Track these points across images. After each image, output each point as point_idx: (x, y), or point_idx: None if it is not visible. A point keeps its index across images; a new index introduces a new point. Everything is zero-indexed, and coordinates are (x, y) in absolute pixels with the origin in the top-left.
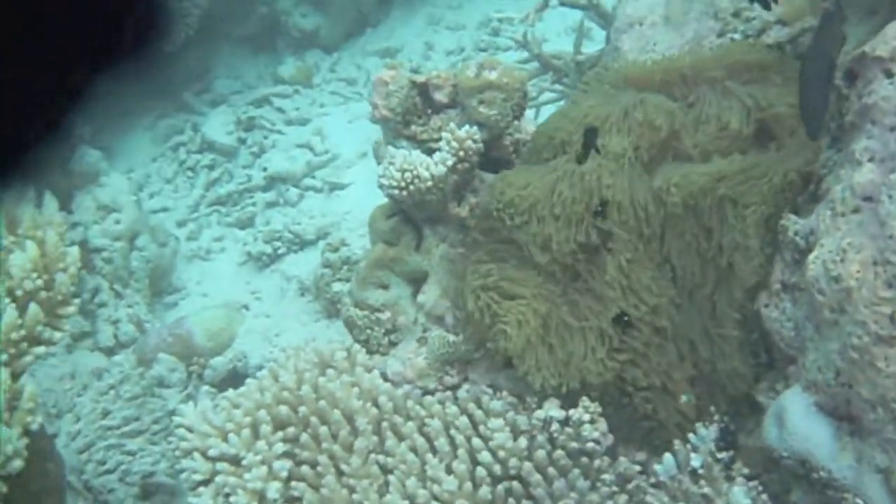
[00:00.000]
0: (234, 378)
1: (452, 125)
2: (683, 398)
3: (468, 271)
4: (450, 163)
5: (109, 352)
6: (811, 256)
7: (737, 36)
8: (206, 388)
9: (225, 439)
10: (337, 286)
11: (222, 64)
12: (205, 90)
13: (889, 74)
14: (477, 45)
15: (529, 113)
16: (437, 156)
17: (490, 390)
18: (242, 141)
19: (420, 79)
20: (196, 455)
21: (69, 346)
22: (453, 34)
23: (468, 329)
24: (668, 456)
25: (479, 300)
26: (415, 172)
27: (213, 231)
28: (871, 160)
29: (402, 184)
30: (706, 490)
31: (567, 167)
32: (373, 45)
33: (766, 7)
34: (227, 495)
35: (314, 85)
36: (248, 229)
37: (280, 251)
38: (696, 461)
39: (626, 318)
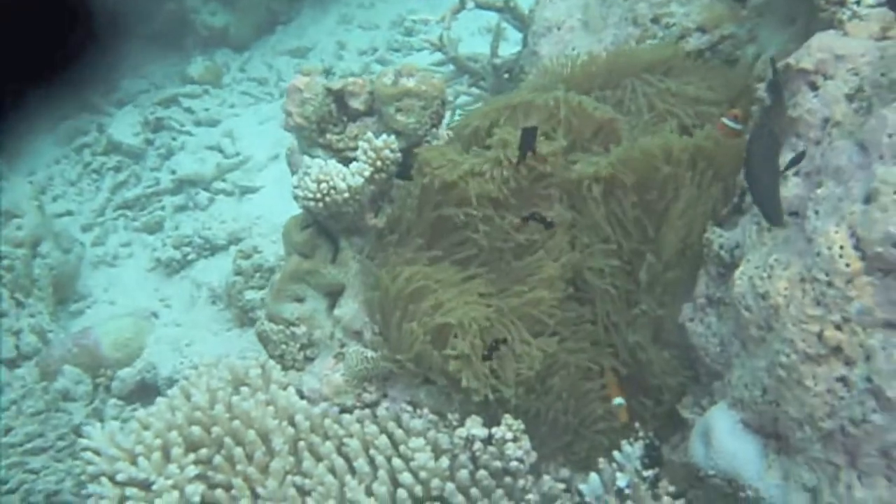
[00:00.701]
0: (143, 390)
1: (370, 134)
2: (616, 401)
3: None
4: (367, 173)
5: (11, 364)
6: (737, 272)
7: (656, 42)
8: (113, 400)
9: (134, 463)
10: (249, 294)
11: (129, 63)
12: (111, 90)
13: (813, 87)
14: (390, 45)
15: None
16: (353, 166)
17: (410, 408)
18: (150, 142)
19: (336, 86)
20: (103, 480)
21: None
22: (366, 33)
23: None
24: (593, 476)
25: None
26: (331, 183)
27: (120, 236)
28: (796, 174)
29: (318, 195)
30: None
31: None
32: (284, 45)
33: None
34: None
35: (224, 85)
36: (157, 234)
37: (190, 257)
38: (622, 481)
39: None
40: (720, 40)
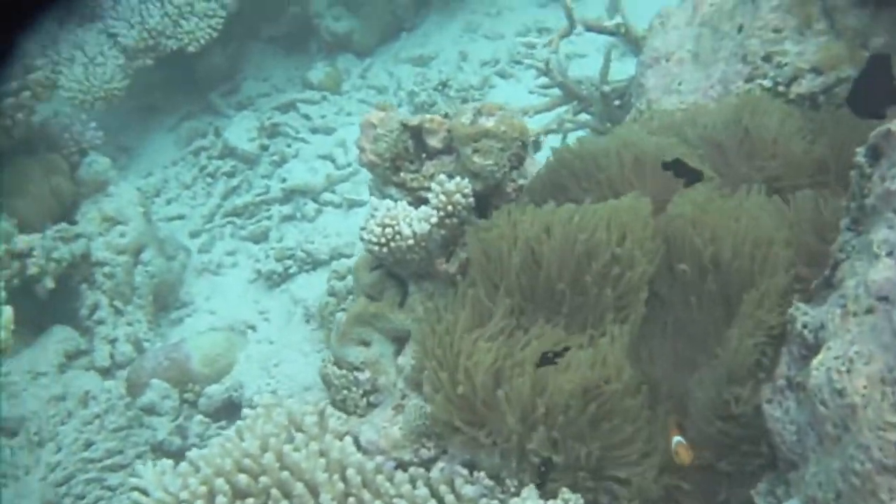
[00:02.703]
0: (230, 408)
1: (442, 177)
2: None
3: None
4: (434, 220)
5: (105, 372)
6: (815, 361)
7: (766, 82)
8: (199, 417)
9: None
10: (341, 316)
11: (251, 65)
12: (232, 91)
13: None
14: (512, 57)
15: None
16: (421, 211)
17: (465, 471)
18: (265, 148)
19: (413, 122)
20: None
21: (62, 365)
22: (490, 43)
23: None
24: None
25: None
26: (396, 228)
27: (227, 244)
28: (889, 254)
29: (383, 240)
30: None
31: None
32: (407, 52)
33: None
34: None
35: (343, 92)
36: (262, 244)
37: (291, 270)
38: None
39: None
40: (836, 83)
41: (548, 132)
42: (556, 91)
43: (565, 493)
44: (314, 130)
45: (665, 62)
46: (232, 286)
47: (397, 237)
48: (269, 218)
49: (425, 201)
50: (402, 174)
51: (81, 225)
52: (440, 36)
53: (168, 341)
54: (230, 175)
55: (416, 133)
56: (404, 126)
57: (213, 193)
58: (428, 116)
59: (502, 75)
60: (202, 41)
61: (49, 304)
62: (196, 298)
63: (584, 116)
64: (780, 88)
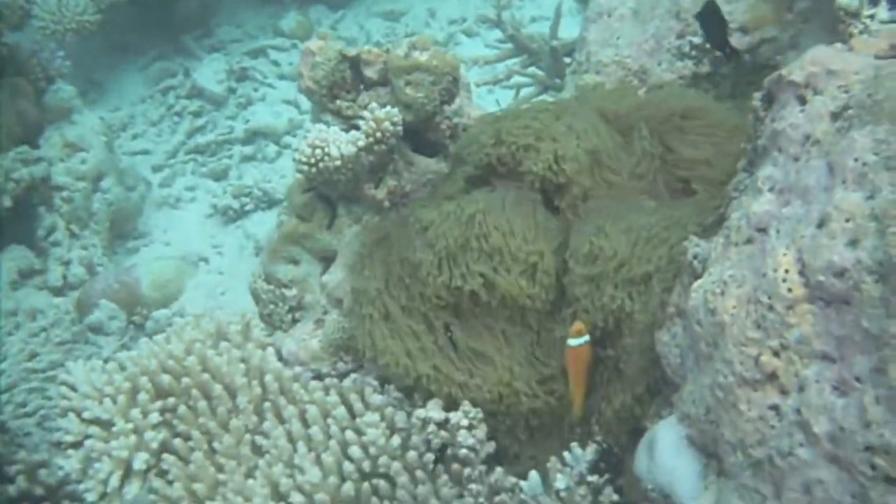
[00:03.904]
0: None
1: (373, 105)
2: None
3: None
4: (361, 143)
5: (57, 292)
6: (695, 284)
7: (695, 39)
8: (144, 339)
9: (100, 402)
10: (272, 233)
11: (226, 10)
12: (205, 35)
13: (802, 101)
14: (479, 18)
15: (507, 94)
16: (350, 135)
17: (376, 382)
18: (232, 91)
19: (351, 52)
20: (71, 415)
21: (14, 282)
22: (458, 3)
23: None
24: (533, 474)
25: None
26: (326, 150)
27: (187, 180)
28: (771, 189)
29: (312, 160)
30: None
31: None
32: (379, 6)
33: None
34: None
35: None
36: (222, 181)
37: (247, 207)
38: (560, 482)
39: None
40: (760, 43)
41: (496, 82)
42: (508, 45)
43: (465, 405)
44: (282, 76)
45: (607, 17)
46: (189, 220)
47: (326, 158)
48: (230, 157)
49: (358, 128)
50: (338, 102)
51: (43, 149)
52: None
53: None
54: (196, 115)
55: (355, 64)
56: (343, 56)
57: (177, 131)
58: (366, 48)
59: (468, 34)
60: None
61: (6, 224)
62: (153, 230)
63: (533, 70)
64: (708, 45)
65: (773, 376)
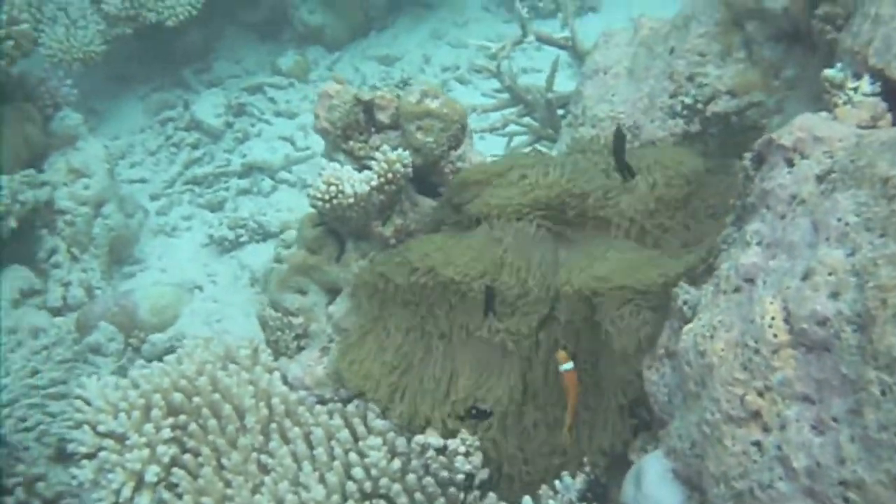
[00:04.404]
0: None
1: (385, 147)
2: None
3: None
4: (374, 183)
5: (56, 312)
6: (686, 328)
7: (687, 99)
8: (141, 362)
9: (115, 417)
10: (281, 265)
11: (226, 47)
12: (204, 70)
13: (790, 163)
14: (472, 65)
15: (500, 141)
16: (364, 174)
17: (378, 409)
18: (230, 125)
19: (365, 97)
20: (86, 428)
21: (16, 301)
22: (453, 50)
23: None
24: (526, 499)
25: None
26: (339, 187)
27: (184, 209)
28: (759, 243)
29: (326, 196)
30: None
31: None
32: (374, 50)
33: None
34: (107, 471)
35: (309, 80)
36: (218, 212)
37: (242, 239)
38: None
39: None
40: (748, 106)
41: (492, 130)
42: (505, 95)
43: (463, 433)
44: (278, 114)
45: (603, 74)
46: (184, 248)
47: (339, 195)
48: (226, 189)
49: (369, 168)
50: (350, 143)
51: (48, 174)
52: (407, 39)
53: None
54: (194, 146)
55: (368, 108)
56: (357, 100)
57: (175, 162)
58: (379, 93)
59: (461, 81)
60: (181, 17)
61: (9, 245)
62: (149, 257)
63: (528, 120)
64: (699, 106)
65: (756, 415)
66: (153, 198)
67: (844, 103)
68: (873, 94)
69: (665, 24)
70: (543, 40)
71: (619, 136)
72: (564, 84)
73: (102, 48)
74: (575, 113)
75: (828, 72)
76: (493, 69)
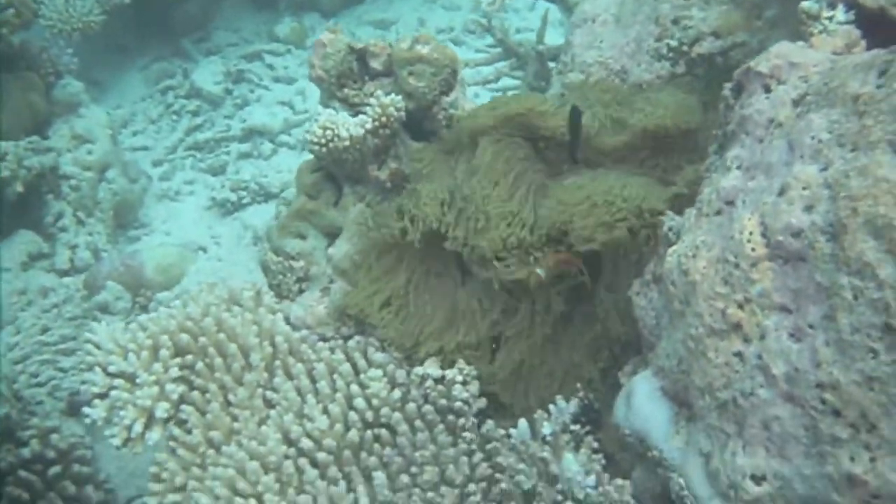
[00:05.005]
0: None
1: (379, 92)
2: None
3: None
4: (369, 126)
5: (64, 274)
6: (670, 250)
7: (672, 42)
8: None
9: (125, 357)
10: (282, 211)
11: (223, 16)
12: (203, 39)
13: (767, 89)
14: (466, 27)
15: (486, 93)
16: (358, 118)
17: (378, 343)
18: (229, 92)
19: (358, 45)
20: (97, 369)
21: (25, 264)
22: (447, 13)
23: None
24: (522, 422)
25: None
26: (335, 131)
27: (186, 174)
28: (738, 167)
29: (323, 140)
30: (545, 454)
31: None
32: (370, 15)
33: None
34: (119, 409)
35: (306, 46)
36: (220, 176)
37: (245, 200)
38: (546, 429)
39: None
40: (732, 47)
41: (486, 82)
42: (497, 49)
43: (460, 363)
44: (276, 79)
45: (591, 23)
46: (188, 212)
47: (336, 138)
48: (227, 153)
49: (364, 114)
50: (345, 90)
51: (52, 140)
52: (402, 3)
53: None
54: (195, 113)
55: (361, 55)
56: (351, 48)
57: (177, 129)
58: (372, 41)
59: (455, 42)
60: None
61: (16, 210)
62: (153, 221)
63: (519, 73)
64: (684, 48)
65: (737, 326)
66: (156, 164)
67: (820, 32)
68: (848, 23)
69: None
70: None
71: (575, 114)
72: (556, 40)
73: (101, 18)
74: (564, 60)
75: (804, 3)
76: (486, 24)
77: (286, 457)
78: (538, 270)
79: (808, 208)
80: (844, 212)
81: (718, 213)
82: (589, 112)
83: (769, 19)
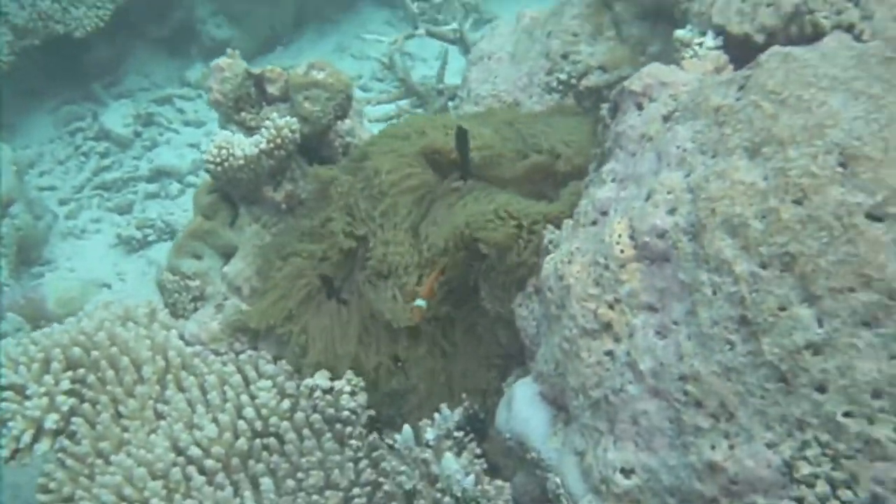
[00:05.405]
0: None
1: (274, 114)
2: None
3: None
4: (263, 146)
5: None
6: (548, 258)
7: (562, 76)
8: None
9: (15, 370)
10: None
11: (135, 61)
12: (114, 83)
13: (640, 107)
14: (374, 75)
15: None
16: (253, 138)
17: (270, 356)
18: (138, 134)
19: (256, 70)
20: None
21: None
22: (356, 62)
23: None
24: (406, 427)
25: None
26: (230, 150)
27: (93, 213)
28: (613, 180)
29: (218, 159)
30: (426, 455)
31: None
32: (281, 62)
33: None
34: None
35: None
36: (126, 215)
37: (150, 238)
38: (430, 434)
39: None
40: (618, 80)
41: (388, 119)
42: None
43: (349, 374)
44: (186, 123)
45: (487, 60)
46: (93, 250)
47: (231, 158)
48: (134, 193)
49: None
50: (242, 114)
51: None
52: (312, 52)
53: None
54: (103, 155)
55: (259, 81)
56: (248, 73)
57: (84, 169)
58: (269, 67)
59: (364, 89)
60: (88, 28)
61: None
62: (58, 258)
63: (420, 111)
64: (573, 81)
65: (608, 326)
66: (62, 202)
67: (691, 57)
68: (717, 48)
69: (544, 12)
70: (434, 35)
71: (461, 135)
72: (457, 79)
73: (10, 58)
74: (461, 95)
75: (678, 32)
76: (387, 62)
77: (174, 464)
78: (418, 303)
79: (672, 210)
80: (704, 212)
81: (594, 223)
82: (496, 136)
83: (652, 54)
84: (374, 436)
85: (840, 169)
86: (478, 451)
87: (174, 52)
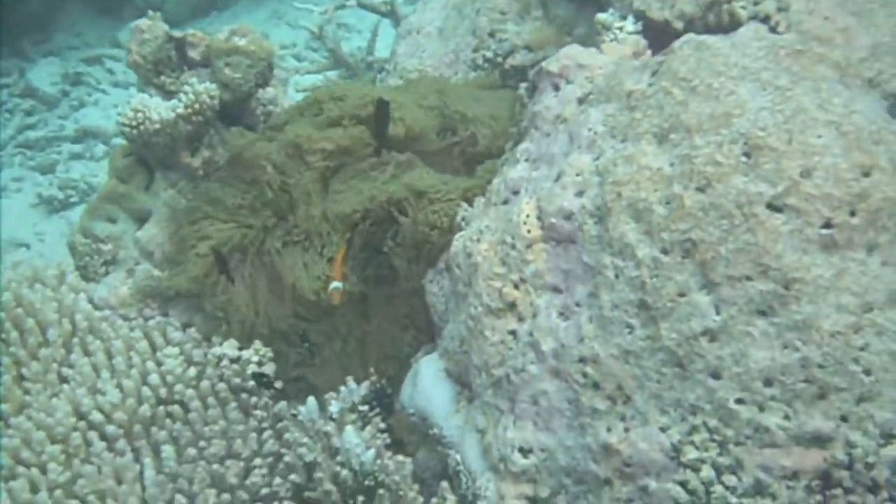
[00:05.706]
0: None
1: (193, 79)
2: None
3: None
4: (181, 110)
5: None
6: (457, 235)
7: (488, 53)
8: None
9: None
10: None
11: (66, 19)
12: (43, 41)
13: (556, 88)
14: (308, 45)
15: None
16: (170, 102)
17: (178, 324)
18: (66, 93)
19: (177, 34)
20: None
21: None
22: (291, 30)
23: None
24: (311, 399)
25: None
26: (146, 114)
27: (14, 171)
28: (526, 160)
29: (134, 122)
30: (328, 428)
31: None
32: (213, 28)
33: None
34: None
35: None
36: (49, 175)
37: (72, 199)
38: (334, 407)
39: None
40: (543, 59)
41: (315, 90)
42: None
43: (257, 344)
44: (116, 84)
45: (416, 34)
46: (13, 209)
47: (147, 121)
48: (59, 153)
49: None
50: (162, 78)
51: None
52: (248, 18)
53: None
54: (28, 113)
55: (180, 45)
56: (169, 36)
57: (8, 126)
58: (191, 31)
59: (298, 58)
60: None
61: None
62: None
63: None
64: (499, 60)
65: (512, 305)
66: None
67: (611, 41)
68: (636, 33)
69: None
70: (365, 6)
71: (381, 106)
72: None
73: None
74: (388, 69)
75: (600, 15)
76: (317, 31)
77: (75, 429)
78: (334, 285)
79: (580, 193)
80: (610, 196)
81: (505, 202)
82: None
83: (578, 36)
84: (280, 406)
85: (744, 158)
86: (382, 425)
87: (106, 11)
